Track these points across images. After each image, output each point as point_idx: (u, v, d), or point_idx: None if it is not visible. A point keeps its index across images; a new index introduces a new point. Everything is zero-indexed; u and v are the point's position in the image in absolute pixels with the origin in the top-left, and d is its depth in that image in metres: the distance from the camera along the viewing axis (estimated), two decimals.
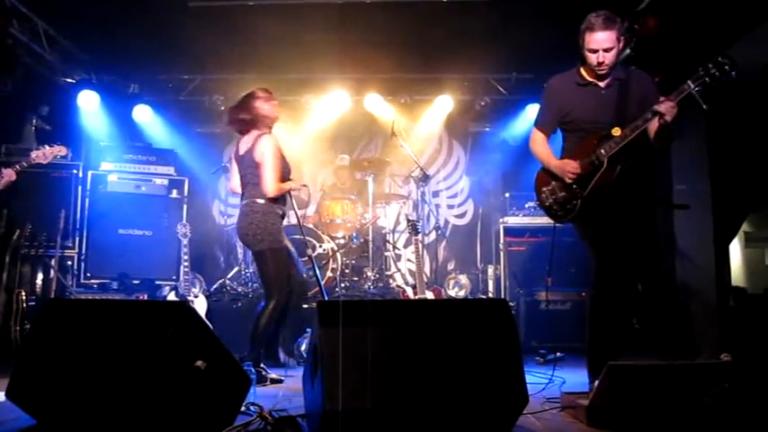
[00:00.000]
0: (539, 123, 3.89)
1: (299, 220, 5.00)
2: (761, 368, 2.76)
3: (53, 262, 5.80)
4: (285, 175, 4.51)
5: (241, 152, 4.51)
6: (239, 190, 4.58)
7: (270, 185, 4.34)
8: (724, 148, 5.71)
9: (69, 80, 7.01)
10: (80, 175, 6.52)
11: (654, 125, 3.45)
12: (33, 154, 5.17)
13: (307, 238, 5.68)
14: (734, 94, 4.60)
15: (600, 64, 3.55)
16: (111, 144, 7.04)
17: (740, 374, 2.71)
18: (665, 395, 2.81)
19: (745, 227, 6.38)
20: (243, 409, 3.04)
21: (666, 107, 3.34)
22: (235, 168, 4.60)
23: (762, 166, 5.46)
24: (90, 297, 5.98)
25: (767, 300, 4.38)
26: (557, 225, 3.91)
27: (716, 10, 5.03)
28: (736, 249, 6.42)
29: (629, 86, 3.62)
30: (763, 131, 5.34)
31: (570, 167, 3.64)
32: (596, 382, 3.01)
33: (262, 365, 4.41)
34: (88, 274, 6.43)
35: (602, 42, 3.50)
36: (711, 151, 5.83)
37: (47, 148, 5.25)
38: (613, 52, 3.53)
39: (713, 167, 5.81)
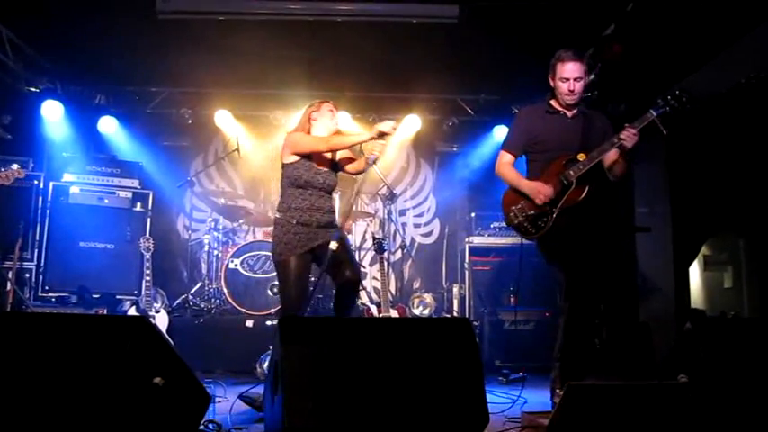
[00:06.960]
0: (508, 146, 4.02)
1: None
2: (716, 389, 2.81)
3: (10, 274, 5.67)
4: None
5: None
6: None
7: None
8: (684, 174, 5.85)
9: (33, 89, 6.85)
10: (41, 185, 6.40)
11: (611, 156, 3.73)
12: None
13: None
14: (693, 120, 4.75)
15: (571, 92, 3.80)
16: (75, 155, 6.91)
17: (696, 396, 2.76)
18: (624, 415, 2.84)
19: (704, 250, 6.50)
20: (201, 427, 3.00)
21: (628, 134, 3.60)
22: None
23: (720, 192, 5.60)
24: (47, 311, 5.85)
25: (724, 322, 4.47)
26: (523, 242, 4.02)
27: (678, 39, 5.18)
28: (695, 272, 6.53)
29: (593, 120, 3.91)
30: (720, 158, 5.49)
31: (544, 191, 3.76)
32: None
33: None
34: (46, 288, 6.26)
35: (573, 72, 3.78)
36: (672, 176, 5.96)
37: (12, 168, 5.13)
38: (582, 83, 3.82)
39: (673, 192, 5.94)
